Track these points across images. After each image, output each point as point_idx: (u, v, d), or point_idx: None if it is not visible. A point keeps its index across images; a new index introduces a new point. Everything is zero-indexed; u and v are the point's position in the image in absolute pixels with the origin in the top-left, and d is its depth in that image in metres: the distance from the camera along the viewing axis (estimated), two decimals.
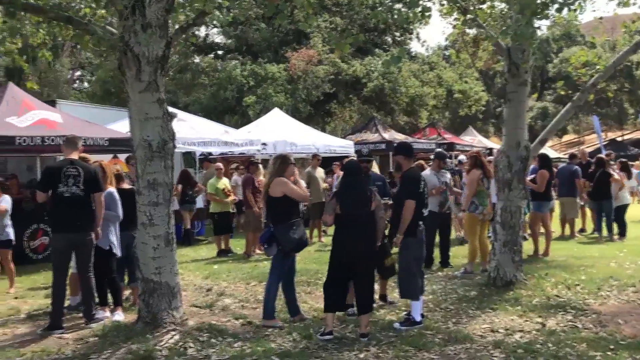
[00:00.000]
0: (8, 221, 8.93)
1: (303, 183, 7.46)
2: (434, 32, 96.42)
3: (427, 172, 9.45)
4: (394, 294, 7.65)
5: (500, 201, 8.35)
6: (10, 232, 9.00)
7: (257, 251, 11.80)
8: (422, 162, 10.18)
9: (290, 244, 6.56)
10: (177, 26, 6.83)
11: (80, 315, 7.13)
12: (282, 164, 6.71)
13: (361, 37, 6.92)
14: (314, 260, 10.56)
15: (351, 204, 6.13)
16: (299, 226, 6.67)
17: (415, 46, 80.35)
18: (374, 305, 6.64)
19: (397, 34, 33.21)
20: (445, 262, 9.84)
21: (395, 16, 6.89)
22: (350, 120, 32.61)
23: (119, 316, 7.04)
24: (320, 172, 13.81)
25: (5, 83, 12.58)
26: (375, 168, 8.36)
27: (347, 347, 5.82)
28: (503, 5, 8.86)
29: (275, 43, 29.38)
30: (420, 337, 6.07)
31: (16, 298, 8.50)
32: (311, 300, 7.73)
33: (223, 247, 12.14)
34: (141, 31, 5.93)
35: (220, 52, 32.61)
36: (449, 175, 10.07)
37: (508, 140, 8.25)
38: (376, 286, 7.08)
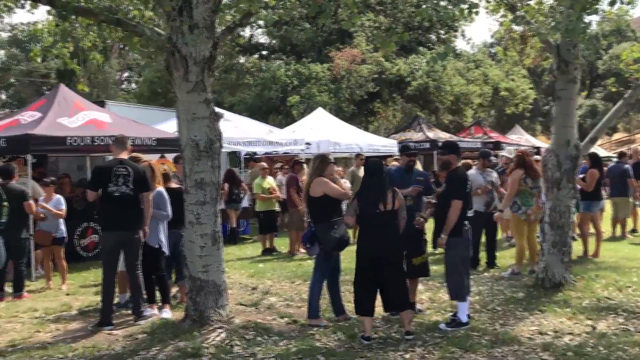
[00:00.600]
0: (62, 220, 9.19)
1: (346, 182, 7.47)
2: (479, 29, 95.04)
3: (472, 171, 9.31)
4: (422, 296, 7.57)
5: (549, 201, 8.17)
6: (64, 230, 9.27)
7: (301, 250, 11.84)
8: (468, 161, 10.03)
9: (331, 243, 6.54)
10: (223, 27, 6.89)
11: (129, 312, 7.27)
12: (321, 163, 6.71)
13: (406, 35, 6.86)
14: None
15: (370, 204, 6.05)
16: (340, 225, 6.64)
17: (460, 44, 79.46)
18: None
19: (442, 31, 32.89)
20: (491, 263, 9.68)
21: (441, 14, 6.81)
22: (394, 120, 32.45)
23: (167, 314, 7.14)
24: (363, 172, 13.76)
25: (57, 85, 12.90)
26: (418, 166, 8.29)
27: (392, 347, 5.78)
28: (552, 0, 8.67)
29: (319, 43, 29.45)
30: (466, 338, 5.98)
31: (68, 295, 8.72)
32: None
33: (268, 246, 12.22)
34: (188, 32, 6.01)
35: (264, 52, 32.85)
36: (495, 175, 9.89)
37: (557, 139, 8.06)
38: None
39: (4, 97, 29.68)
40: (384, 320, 6.61)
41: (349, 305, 7.27)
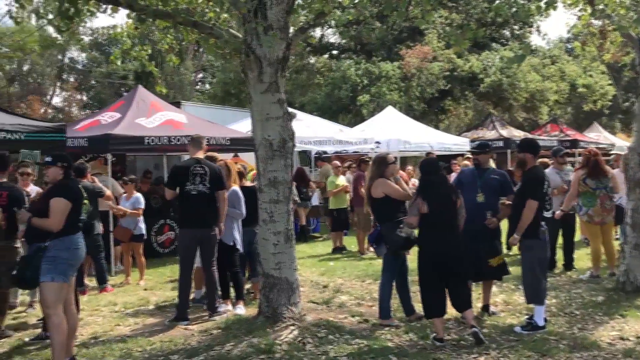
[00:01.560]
0: (141, 217, 9.52)
1: (416, 181, 7.39)
2: (555, 24, 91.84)
3: (549, 170, 9.01)
4: (496, 299, 7.39)
5: (630, 201, 7.83)
6: (142, 227, 9.59)
7: (371, 249, 11.84)
8: (546, 159, 9.71)
9: (397, 243, 6.47)
10: (294, 27, 6.95)
11: (204, 307, 7.44)
12: (381, 164, 6.69)
13: (481, 32, 6.72)
14: None
15: (435, 203, 5.93)
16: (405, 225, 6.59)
17: (535, 39, 76.96)
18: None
19: (516, 27, 32.05)
20: (569, 265, 9.36)
21: (517, 10, 6.64)
22: (465, 118, 31.88)
23: (241, 310, 7.27)
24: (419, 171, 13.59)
25: (135, 86, 13.36)
26: (492, 165, 8.10)
27: (465, 350, 5.69)
28: None
29: (389, 41, 29.29)
30: (543, 342, 5.82)
31: (145, 290, 9.02)
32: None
33: (338, 244, 12.26)
34: (263, 33, 6.09)
35: (334, 52, 32.94)
36: (572, 174, 9.55)
37: (639, 137, 7.73)
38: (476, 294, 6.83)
39: (85, 98, 30.94)
40: (456, 322, 6.50)
41: (420, 306, 7.23)
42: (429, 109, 27.99)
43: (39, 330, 6.52)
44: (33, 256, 5.18)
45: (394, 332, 6.29)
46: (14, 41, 7.28)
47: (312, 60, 31.05)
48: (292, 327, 6.25)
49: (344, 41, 31.84)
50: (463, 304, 6.01)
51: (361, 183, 11.60)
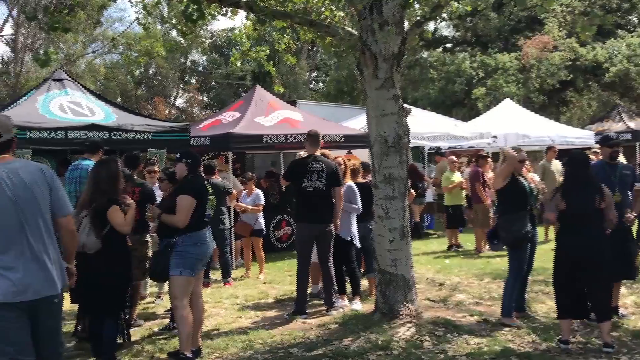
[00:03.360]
0: (260, 213, 9.82)
1: (534, 176, 7.15)
2: None
3: None
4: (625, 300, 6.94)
5: None
6: (262, 223, 9.89)
7: (488, 247, 11.56)
8: None
9: (510, 237, 6.29)
10: (409, 22, 6.88)
11: (321, 302, 7.56)
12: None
13: (610, 18, 6.35)
14: (551, 259, 10.00)
15: (578, 201, 5.59)
16: (521, 219, 6.33)
17: None
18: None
19: None
20: None
21: None
22: (589, 109, 30.23)
23: (357, 305, 7.31)
24: (556, 165, 12.99)
25: (254, 86, 13.78)
26: (621, 159, 7.64)
27: (592, 354, 5.42)
28: None
29: (505, 32, 28.32)
30: None
31: (265, 283, 9.28)
32: (550, 301, 7.31)
33: (453, 241, 12.04)
34: (378, 29, 6.08)
35: (448, 45, 32.30)
36: None
37: None
38: None
39: (205, 99, 32.31)
40: (582, 324, 6.18)
41: (542, 307, 6.96)
42: (549, 101, 26.79)
43: (166, 321, 6.87)
44: (163, 251, 5.46)
45: (515, 333, 6.08)
46: (142, 46, 7.77)
47: (425, 54, 30.59)
48: (409, 325, 6.19)
49: (457, 34, 31.15)
50: (600, 314, 5.64)
51: (478, 179, 11.32)
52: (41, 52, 7.39)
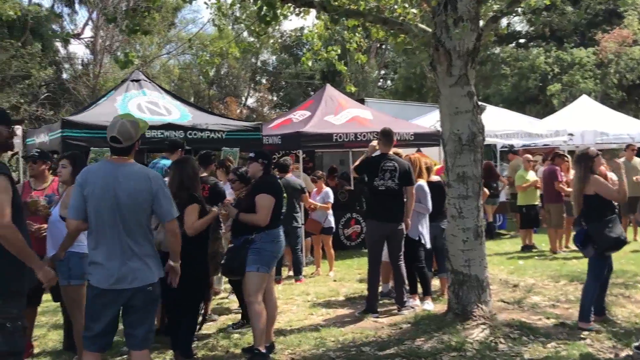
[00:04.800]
0: (330, 210, 9.86)
1: (613, 176, 6.90)
2: None
3: None
4: None
5: None
6: (332, 221, 9.93)
7: (564, 248, 11.23)
8: None
9: (607, 243, 6.04)
10: (484, 18, 6.74)
11: (392, 301, 7.52)
12: (587, 161, 6.27)
13: None
14: (631, 261, 9.63)
15: None
16: (615, 224, 6.11)
17: None
18: None
19: None
20: None
21: None
22: None
23: (429, 305, 7.24)
24: (636, 163, 12.48)
25: (324, 85, 13.84)
26: None
27: None
28: None
29: (582, 26, 27.37)
30: None
31: (335, 281, 9.31)
32: (630, 305, 7.06)
33: (527, 242, 11.74)
34: (453, 26, 6.00)
35: (521, 41, 31.49)
36: None
37: None
38: None
39: (275, 98, 32.71)
40: None
41: (622, 311, 6.72)
42: (628, 98, 25.74)
43: (239, 316, 7.00)
44: (241, 247, 5.54)
45: (594, 337, 5.87)
46: (217, 47, 7.95)
47: (497, 50, 29.93)
48: (482, 326, 6.08)
49: (531, 28, 30.33)
50: None
51: (554, 178, 11.00)
52: (120, 54, 7.65)
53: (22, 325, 3.99)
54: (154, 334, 4.36)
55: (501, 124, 14.72)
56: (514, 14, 27.72)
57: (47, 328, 6.79)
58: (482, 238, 6.49)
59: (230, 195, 6.97)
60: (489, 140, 14.01)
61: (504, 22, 29.10)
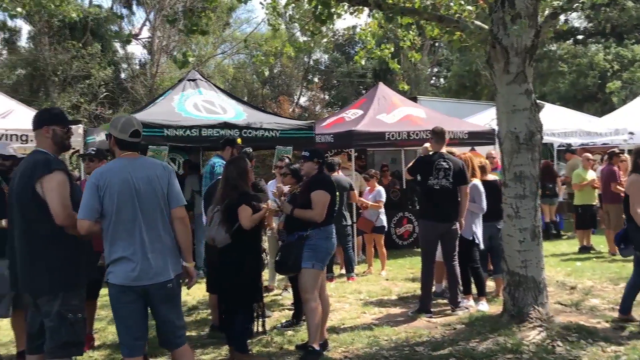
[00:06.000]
0: (382, 209, 9.84)
1: None
2: None
3: None
4: None
5: None
6: (384, 219, 9.90)
7: None
8: None
9: None
10: (542, 14, 6.61)
11: (445, 301, 7.45)
12: (636, 158, 6.12)
13: None
14: None
15: None
16: None
17: None
18: None
19: None
20: None
21: None
22: None
23: (483, 306, 7.15)
24: None
25: (376, 84, 13.80)
26: None
27: None
28: None
29: None
30: None
31: (387, 280, 9.30)
32: None
33: (585, 243, 11.44)
34: (510, 23, 5.90)
35: (579, 37, 30.67)
36: None
37: None
38: None
39: (327, 97, 32.77)
40: None
41: None
42: None
43: (292, 313, 7.06)
44: (295, 244, 5.59)
45: None
46: (272, 47, 7.99)
47: (554, 47, 29.22)
48: (539, 328, 5.97)
49: (590, 25, 29.50)
50: None
51: (612, 178, 10.69)
52: (178, 54, 7.82)
53: (82, 317, 4.14)
54: (185, 329, 4.31)
55: (558, 122, 14.41)
56: (573, 10, 27.10)
57: (107, 321, 6.98)
58: (540, 239, 6.37)
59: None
60: (546, 139, 13.69)
61: (562, 18, 28.44)
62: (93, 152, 6.30)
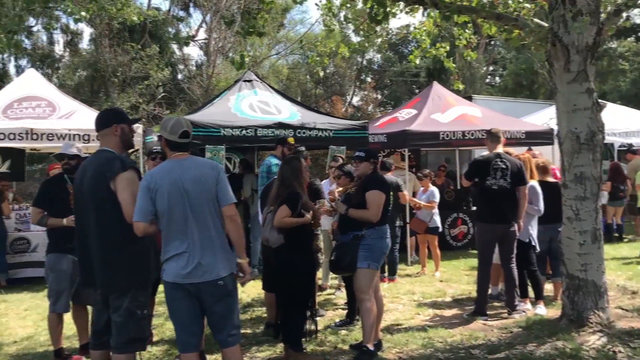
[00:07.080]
0: (435, 210, 9.75)
1: None
2: None
3: None
4: None
5: None
6: (437, 220, 9.81)
7: None
8: None
9: None
10: (604, 11, 6.43)
11: (501, 304, 7.33)
12: None
13: None
14: None
15: None
16: None
17: None
18: None
19: None
20: None
21: None
22: None
23: (541, 310, 7.01)
24: None
25: (431, 83, 13.67)
26: None
27: None
28: None
29: None
30: None
31: (441, 281, 9.20)
32: None
33: None
34: (571, 20, 5.76)
35: None
36: None
37: None
38: None
39: (379, 97, 32.61)
40: None
41: None
42: None
43: (345, 313, 7.06)
44: (351, 244, 5.59)
45: None
46: (327, 47, 8.01)
47: (614, 44, 28.32)
48: (599, 334, 5.81)
49: None
50: None
51: None
52: (235, 55, 7.93)
53: (148, 313, 4.25)
54: (239, 329, 4.32)
55: (620, 121, 13.98)
56: (637, 7, 26.20)
57: (165, 317, 7.13)
58: (600, 242, 6.19)
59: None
60: (606, 138, 13.32)
61: (624, 14, 27.54)
62: (159, 150, 6.26)
